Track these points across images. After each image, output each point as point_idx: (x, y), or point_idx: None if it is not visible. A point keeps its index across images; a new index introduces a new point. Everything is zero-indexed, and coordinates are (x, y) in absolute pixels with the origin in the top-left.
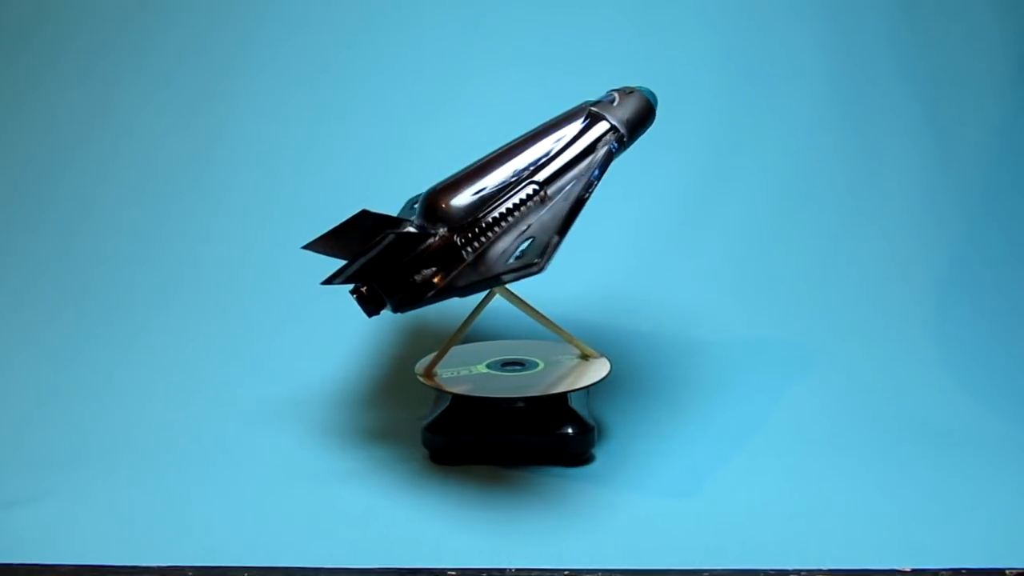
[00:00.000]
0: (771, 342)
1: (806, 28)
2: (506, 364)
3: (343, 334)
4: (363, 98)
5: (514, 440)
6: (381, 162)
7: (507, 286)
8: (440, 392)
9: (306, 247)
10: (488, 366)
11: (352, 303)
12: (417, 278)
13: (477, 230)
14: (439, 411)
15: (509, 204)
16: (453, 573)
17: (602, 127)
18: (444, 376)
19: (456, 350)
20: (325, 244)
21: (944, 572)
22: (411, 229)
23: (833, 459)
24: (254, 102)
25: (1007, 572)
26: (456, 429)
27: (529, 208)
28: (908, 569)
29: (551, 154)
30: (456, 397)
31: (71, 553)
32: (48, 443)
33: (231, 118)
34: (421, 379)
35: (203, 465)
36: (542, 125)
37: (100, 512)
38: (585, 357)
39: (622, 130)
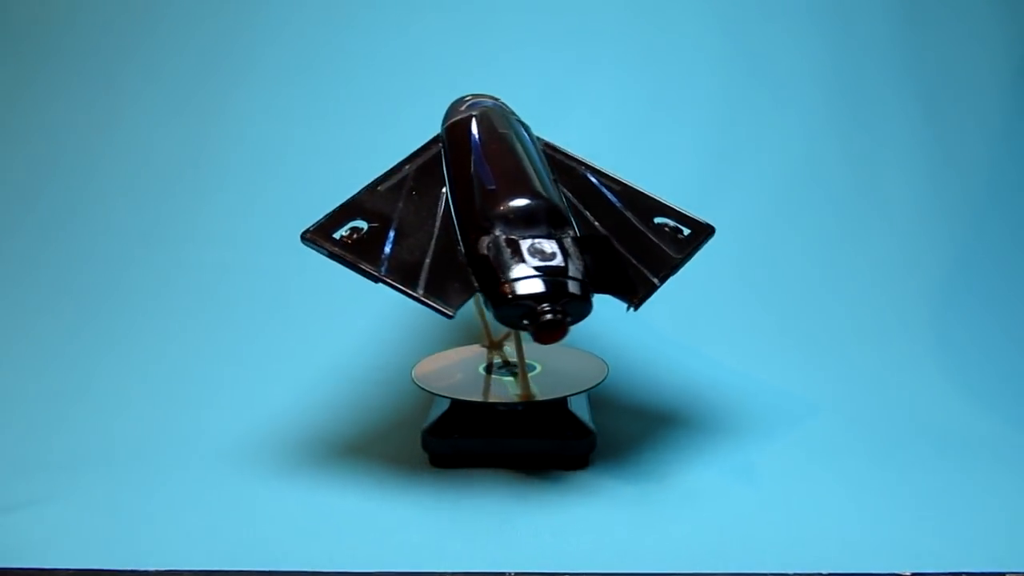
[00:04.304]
0: (770, 342)
1: (807, 29)
2: (503, 367)
3: (341, 336)
4: (361, 98)
5: (514, 444)
6: (380, 163)
7: None
8: (438, 396)
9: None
10: (484, 370)
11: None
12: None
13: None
14: (438, 415)
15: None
16: None
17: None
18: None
19: (452, 354)
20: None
21: None
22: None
23: (833, 461)
24: (250, 103)
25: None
26: (455, 433)
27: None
28: (908, 573)
29: (538, 151)
30: (455, 401)
31: (70, 557)
32: (46, 447)
33: (226, 119)
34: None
35: (201, 469)
36: (506, 133)
37: (99, 516)
38: (494, 346)
39: None
